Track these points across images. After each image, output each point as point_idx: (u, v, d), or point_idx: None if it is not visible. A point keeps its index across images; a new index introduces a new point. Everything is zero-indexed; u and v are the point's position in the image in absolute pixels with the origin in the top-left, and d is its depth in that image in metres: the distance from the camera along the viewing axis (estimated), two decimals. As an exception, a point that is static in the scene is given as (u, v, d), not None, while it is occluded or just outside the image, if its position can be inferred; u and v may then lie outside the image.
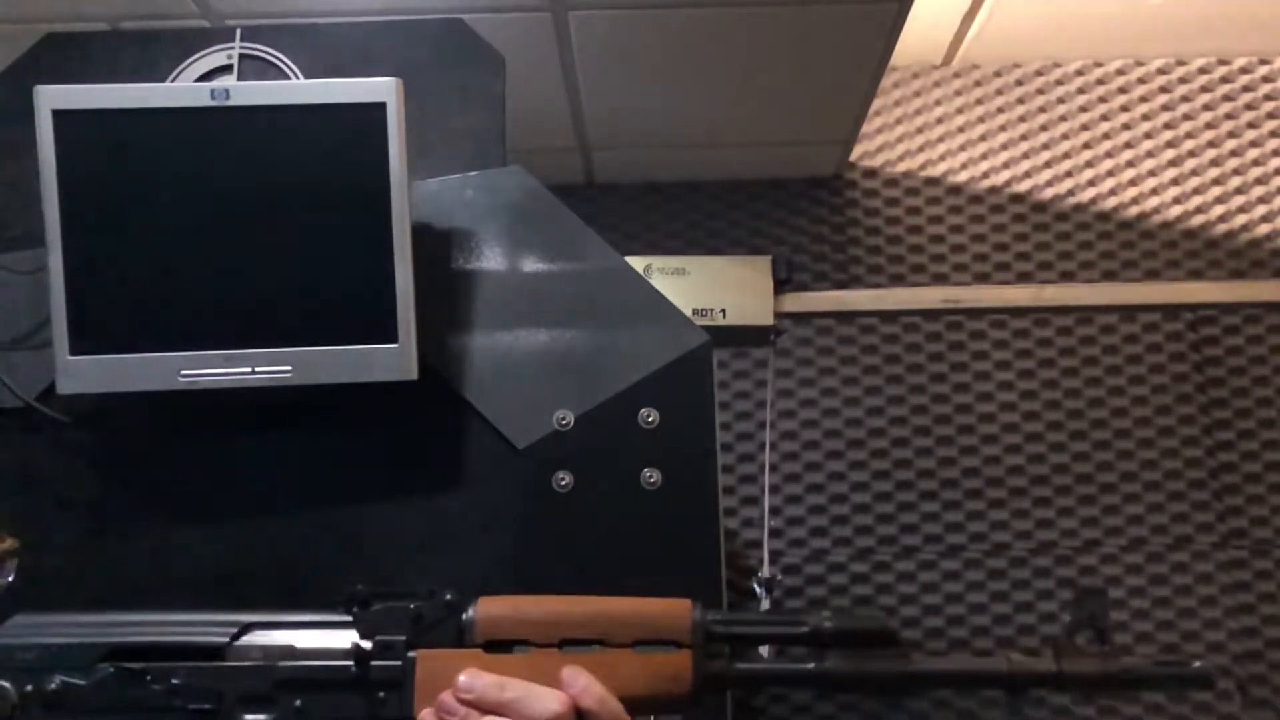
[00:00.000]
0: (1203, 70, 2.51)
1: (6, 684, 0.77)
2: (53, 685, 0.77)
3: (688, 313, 1.33)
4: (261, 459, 1.28)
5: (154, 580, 1.24)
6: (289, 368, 1.18)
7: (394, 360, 1.19)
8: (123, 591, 1.22)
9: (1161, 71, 2.51)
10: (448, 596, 0.80)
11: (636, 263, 1.44)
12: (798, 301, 2.34)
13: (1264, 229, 2.43)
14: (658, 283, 1.37)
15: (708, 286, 2.07)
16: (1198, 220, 2.44)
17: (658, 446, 1.25)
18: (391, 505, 1.26)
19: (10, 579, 0.71)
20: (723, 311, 2.05)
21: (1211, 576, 2.27)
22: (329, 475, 1.27)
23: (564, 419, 1.25)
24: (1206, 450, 2.33)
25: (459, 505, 1.25)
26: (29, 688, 0.77)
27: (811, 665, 0.80)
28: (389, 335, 1.18)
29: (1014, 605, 2.27)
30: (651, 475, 1.24)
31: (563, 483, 1.24)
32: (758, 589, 1.92)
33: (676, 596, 0.81)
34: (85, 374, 1.17)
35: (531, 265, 1.32)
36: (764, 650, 0.88)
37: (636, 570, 1.21)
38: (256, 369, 1.17)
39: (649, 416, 1.25)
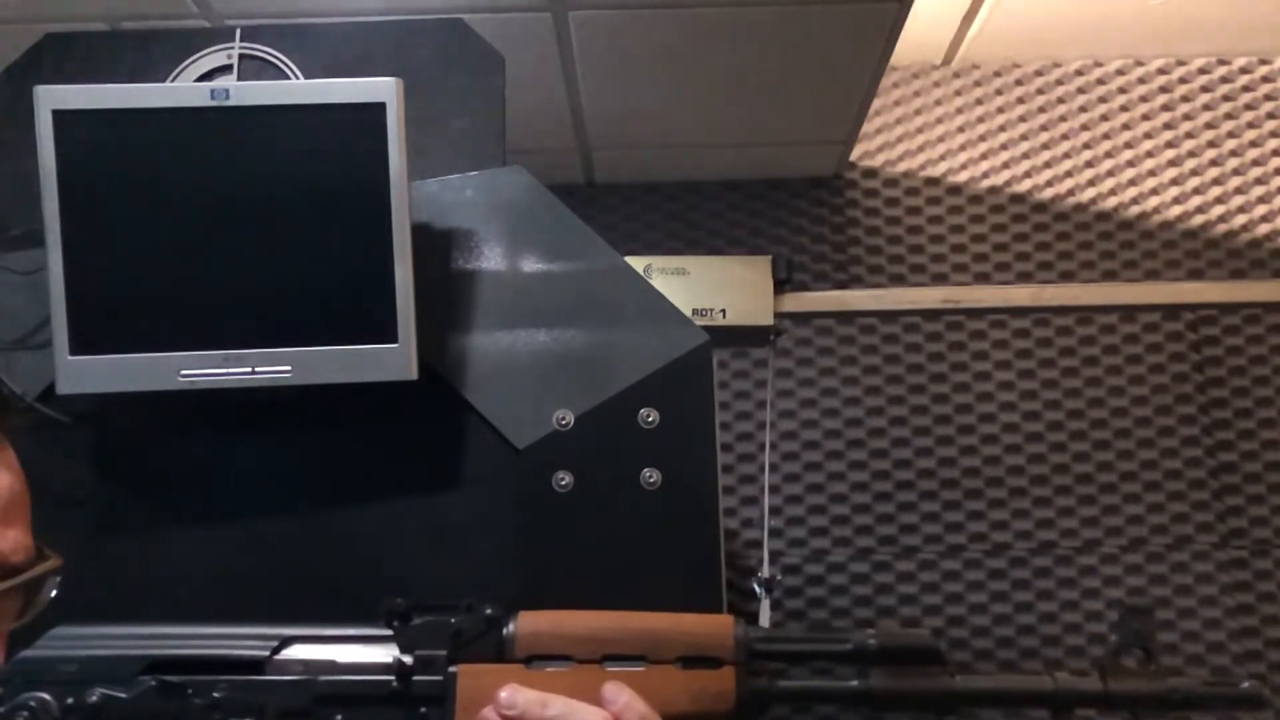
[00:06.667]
0: (1203, 70, 2.51)
1: (48, 696, 0.77)
2: (93, 698, 0.77)
3: (688, 313, 1.33)
4: (261, 459, 1.27)
5: (153, 580, 1.24)
6: (289, 368, 1.18)
7: (394, 360, 1.19)
8: (121, 591, 1.22)
9: (1161, 71, 2.51)
10: (488, 611, 0.80)
11: (636, 263, 1.44)
12: (798, 301, 2.34)
13: (1264, 229, 2.43)
14: (658, 283, 1.37)
15: (708, 286, 2.06)
16: (1198, 220, 2.44)
17: (658, 446, 1.25)
18: (391, 505, 1.26)
19: (54, 594, 0.71)
20: (722, 311, 2.05)
21: (1211, 576, 2.27)
22: (329, 475, 1.27)
23: (564, 419, 1.25)
24: (1206, 450, 2.33)
25: (458, 505, 1.25)
26: (70, 700, 0.77)
27: (855, 683, 0.80)
28: (389, 335, 1.18)
29: (1014, 605, 2.27)
30: (651, 475, 1.23)
31: (562, 483, 1.24)
32: (757, 589, 1.92)
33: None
34: (85, 374, 1.16)
35: (531, 265, 1.32)
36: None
37: (637, 570, 1.21)
38: (256, 369, 1.17)
39: (649, 416, 1.25)
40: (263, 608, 1.22)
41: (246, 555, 1.25)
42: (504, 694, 0.75)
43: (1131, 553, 2.29)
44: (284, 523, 1.25)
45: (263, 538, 1.25)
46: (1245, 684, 0.79)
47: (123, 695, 0.78)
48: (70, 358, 1.16)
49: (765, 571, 1.98)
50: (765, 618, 1.87)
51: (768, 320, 2.06)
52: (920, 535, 2.31)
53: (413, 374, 1.19)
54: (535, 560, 1.23)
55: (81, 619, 0.82)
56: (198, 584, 1.24)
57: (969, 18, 2.32)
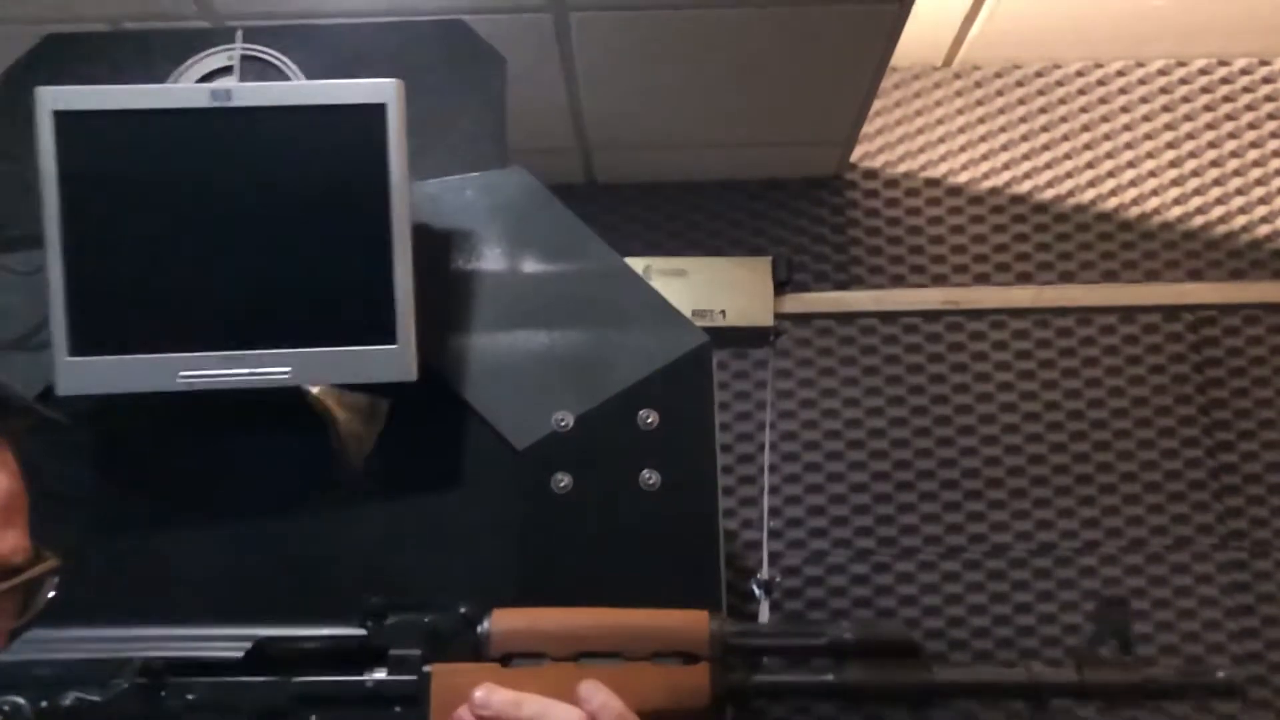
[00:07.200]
0: (1203, 70, 2.51)
1: (22, 700, 0.77)
2: (68, 701, 0.77)
3: (688, 313, 1.33)
4: (260, 460, 1.28)
5: (152, 581, 1.24)
6: (288, 369, 1.18)
7: (393, 361, 1.19)
8: (121, 592, 1.22)
9: (1161, 72, 2.51)
10: (463, 610, 0.80)
11: (636, 263, 1.44)
12: (798, 302, 2.34)
13: (1264, 229, 2.43)
14: (657, 283, 1.37)
15: (707, 287, 2.07)
16: (1198, 220, 2.44)
17: (657, 448, 1.25)
18: (391, 505, 1.26)
19: (52, 594, 0.71)
20: (722, 312, 2.05)
21: (1211, 578, 2.27)
22: (328, 476, 1.27)
23: (563, 420, 1.25)
24: (1206, 451, 2.33)
25: (458, 506, 1.26)
26: (44, 703, 0.77)
27: (831, 677, 0.80)
28: (388, 336, 1.18)
29: (1013, 606, 2.27)
30: (651, 476, 1.24)
31: (562, 484, 1.24)
32: (757, 590, 1.92)
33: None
34: (84, 375, 1.17)
35: (531, 266, 1.32)
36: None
37: (636, 571, 1.21)
38: (256, 370, 1.17)
39: (648, 418, 1.25)
40: (262, 608, 1.22)
41: (246, 555, 1.25)
42: (479, 694, 0.75)
43: (1131, 554, 2.29)
44: (282, 524, 1.26)
45: (260, 539, 1.25)
46: (1220, 673, 0.79)
47: (97, 698, 0.78)
48: (69, 358, 1.16)
49: (765, 573, 1.98)
50: (765, 619, 1.87)
51: (768, 321, 2.07)
52: (920, 536, 2.31)
53: (412, 375, 1.19)
54: (534, 561, 1.23)
55: (80, 619, 0.82)
56: (198, 584, 1.24)
57: (969, 19, 2.32)
